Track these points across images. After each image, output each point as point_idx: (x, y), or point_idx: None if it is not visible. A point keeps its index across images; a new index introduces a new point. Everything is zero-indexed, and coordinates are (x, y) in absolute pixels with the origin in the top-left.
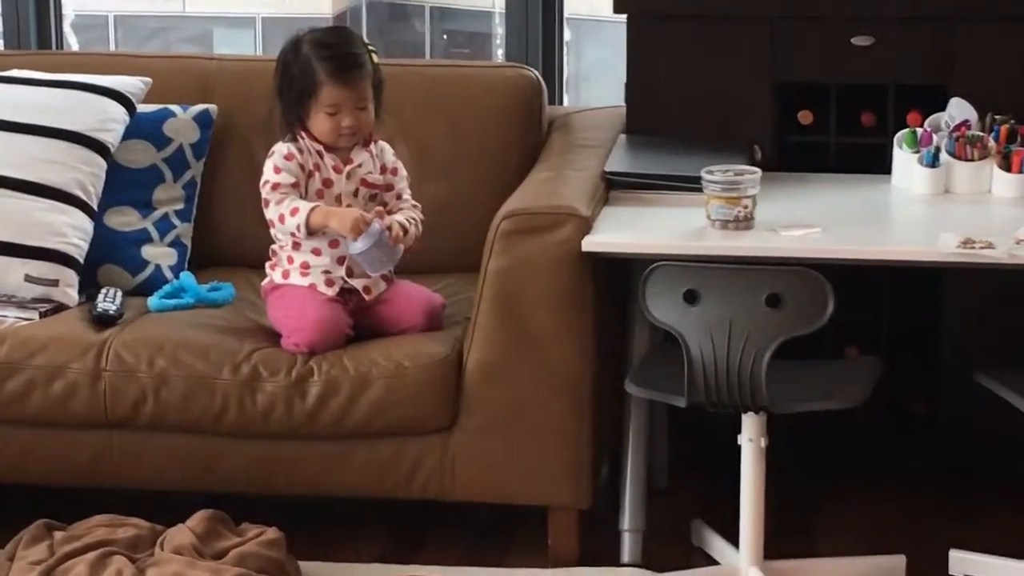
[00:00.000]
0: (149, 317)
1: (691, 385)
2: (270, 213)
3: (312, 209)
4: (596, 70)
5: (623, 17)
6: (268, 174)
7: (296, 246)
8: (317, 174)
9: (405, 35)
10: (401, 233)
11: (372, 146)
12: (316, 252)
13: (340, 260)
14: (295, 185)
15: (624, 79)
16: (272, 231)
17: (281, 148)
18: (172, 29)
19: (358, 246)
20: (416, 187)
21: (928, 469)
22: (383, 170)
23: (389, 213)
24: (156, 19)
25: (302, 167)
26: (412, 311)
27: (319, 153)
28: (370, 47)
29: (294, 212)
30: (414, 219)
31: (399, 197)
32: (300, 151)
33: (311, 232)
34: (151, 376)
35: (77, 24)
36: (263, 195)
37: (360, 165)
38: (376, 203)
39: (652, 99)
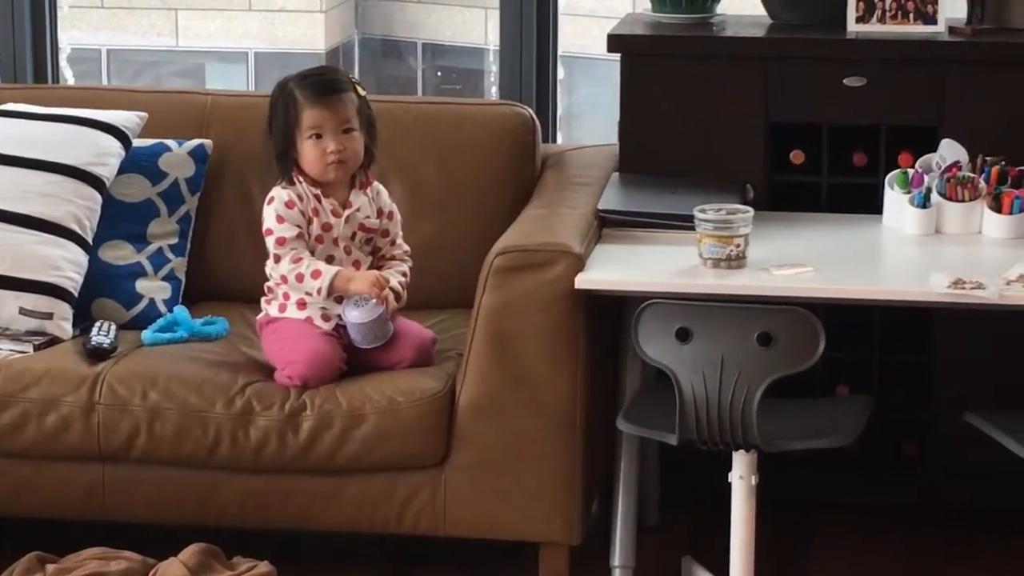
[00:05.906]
0: (143, 351)
1: (683, 423)
2: (283, 270)
3: (336, 274)
4: (585, 107)
5: (613, 56)
6: (270, 223)
7: None
8: (316, 219)
9: (398, 71)
10: (395, 305)
11: (368, 189)
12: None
13: (338, 298)
14: (300, 236)
15: (613, 117)
16: (268, 271)
17: (281, 195)
18: (163, 63)
19: (356, 316)
20: (409, 223)
21: (919, 508)
22: (379, 214)
23: (382, 258)
24: (148, 53)
25: (302, 213)
26: (403, 346)
27: (317, 197)
28: (356, 81)
29: (316, 275)
30: (404, 278)
31: (393, 243)
32: (300, 197)
33: (330, 295)
34: (144, 409)
35: (70, 58)
36: (270, 249)
37: (359, 209)
38: (371, 247)
39: (645, 138)
